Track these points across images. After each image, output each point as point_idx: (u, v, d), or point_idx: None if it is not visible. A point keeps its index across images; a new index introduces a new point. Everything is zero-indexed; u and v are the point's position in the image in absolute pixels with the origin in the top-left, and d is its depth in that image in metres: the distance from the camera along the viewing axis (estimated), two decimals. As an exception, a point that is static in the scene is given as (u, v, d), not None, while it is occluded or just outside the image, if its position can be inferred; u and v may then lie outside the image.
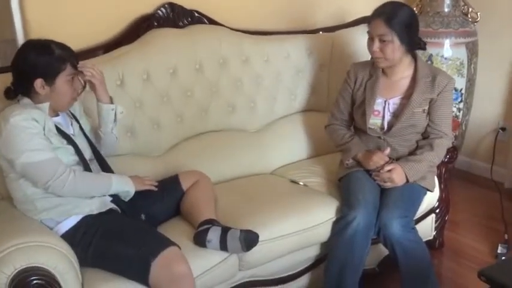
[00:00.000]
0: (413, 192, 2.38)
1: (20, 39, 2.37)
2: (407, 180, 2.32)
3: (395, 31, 2.23)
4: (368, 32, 2.32)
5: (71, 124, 2.06)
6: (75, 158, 1.98)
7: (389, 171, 2.30)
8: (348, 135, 2.51)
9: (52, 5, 2.38)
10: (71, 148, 1.96)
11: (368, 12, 2.37)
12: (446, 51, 3.29)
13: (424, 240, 2.46)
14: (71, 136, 2.00)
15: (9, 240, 1.72)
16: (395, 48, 2.26)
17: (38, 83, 1.90)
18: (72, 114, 2.10)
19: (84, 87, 2.04)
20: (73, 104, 2.04)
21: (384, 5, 2.31)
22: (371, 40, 2.30)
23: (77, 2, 2.44)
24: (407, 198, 2.33)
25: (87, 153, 2.05)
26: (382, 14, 2.26)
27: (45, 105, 1.92)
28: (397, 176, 2.30)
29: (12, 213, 1.95)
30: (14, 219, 1.91)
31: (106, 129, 2.16)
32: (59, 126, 1.96)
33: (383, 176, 2.31)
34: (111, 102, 2.13)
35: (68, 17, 2.42)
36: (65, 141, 1.95)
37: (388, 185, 2.33)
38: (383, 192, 2.35)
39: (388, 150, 2.32)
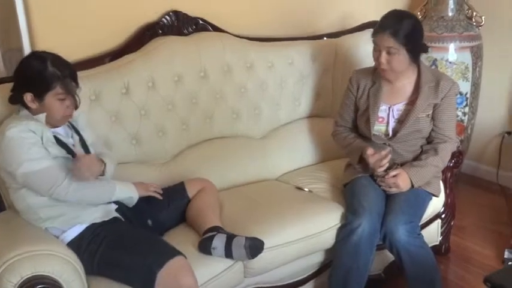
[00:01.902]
0: (419, 197, 2.38)
1: (26, 49, 2.39)
2: (413, 186, 2.32)
3: (403, 44, 2.22)
4: (373, 42, 2.32)
5: (71, 136, 2.06)
6: None
7: (394, 176, 2.30)
8: (351, 136, 2.51)
9: (58, 14, 2.40)
10: (70, 158, 1.97)
11: (372, 17, 2.39)
12: (451, 55, 3.29)
13: (430, 245, 2.44)
14: (71, 146, 2.00)
15: (16, 249, 1.73)
16: (401, 59, 2.26)
17: (28, 96, 1.90)
18: (72, 126, 2.09)
19: (77, 107, 2.01)
20: (66, 121, 2.02)
21: (389, 18, 2.29)
22: (377, 52, 2.29)
23: (83, 11, 2.46)
24: (412, 203, 2.32)
25: None
26: (388, 27, 2.24)
27: (42, 116, 1.93)
28: (402, 181, 2.30)
29: (18, 222, 1.96)
30: (20, 228, 1.93)
31: None
32: (58, 136, 1.97)
33: (388, 182, 2.31)
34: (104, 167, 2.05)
35: (74, 26, 2.44)
36: (64, 151, 1.96)
37: (394, 190, 2.32)
38: (388, 198, 2.35)
39: (388, 149, 2.31)
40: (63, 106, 1.94)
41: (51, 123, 1.96)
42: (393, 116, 2.38)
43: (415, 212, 2.34)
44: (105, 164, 2.03)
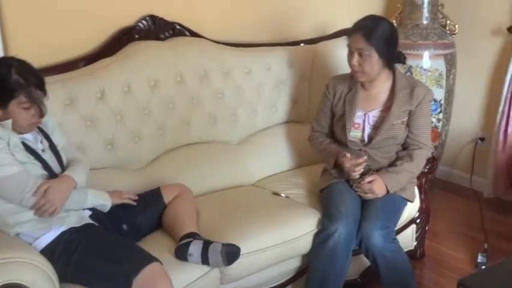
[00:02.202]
0: (394, 203, 2.40)
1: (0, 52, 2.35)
2: (388, 192, 2.34)
3: (374, 46, 2.25)
4: (348, 45, 2.35)
5: (41, 141, 2.01)
6: (44, 173, 1.95)
7: (369, 182, 2.32)
8: (327, 141, 2.53)
9: (32, 17, 2.36)
10: (38, 164, 1.93)
11: (348, 24, 2.40)
12: (426, 62, 3.34)
13: (405, 250, 2.48)
14: (39, 152, 1.96)
15: (-13, 257, 1.69)
16: (373, 62, 2.28)
17: None
18: (42, 130, 2.04)
19: (42, 116, 1.93)
20: (33, 129, 1.97)
21: (364, 20, 2.33)
22: (350, 54, 2.33)
23: (58, 15, 2.43)
24: (388, 209, 2.34)
25: (57, 170, 2.01)
26: (361, 28, 2.28)
27: (9, 122, 1.87)
28: (377, 187, 2.32)
29: (-11, 230, 1.92)
30: (-8, 235, 1.89)
31: None
32: (26, 142, 1.92)
33: (364, 188, 2.33)
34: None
35: (49, 30, 2.41)
36: (32, 157, 1.92)
37: (369, 196, 2.34)
38: (364, 203, 2.37)
39: (364, 158, 2.32)
40: (28, 115, 1.88)
41: (18, 130, 1.91)
42: (369, 123, 2.40)
43: (390, 218, 2.36)
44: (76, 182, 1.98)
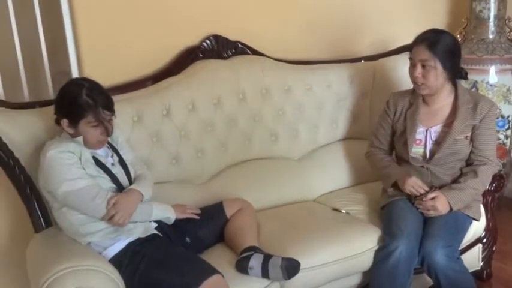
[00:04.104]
0: (458, 221, 2.34)
1: (74, 71, 2.50)
2: (451, 209, 2.29)
3: (438, 57, 2.24)
4: (410, 59, 2.34)
5: (111, 156, 2.12)
6: (113, 186, 2.05)
7: (432, 199, 2.28)
8: (387, 159, 2.51)
9: (104, 37, 2.50)
10: (107, 177, 2.04)
11: (409, 40, 2.40)
12: (492, 77, 3.26)
13: (471, 270, 2.41)
14: (109, 166, 2.06)
15: (61, 263, 1.80)
16: (438, 74, 2.26)
17: (64, 122, 1.98)
18: (111, 146, 2.15)
19: (109, 135, 2.03)
20: (102, 146, 2.07)
21: (427, 32, 2.33)
22: (413, 66, 2.32)
23: (128, 36, 2.56)
24: (451, 227, 2.29)
25: (125, 183, 2.10)
26: (425, 40, 2.28)
27: (81, 138, 1.99)
28: (440, 204, 2.27)
29: (63, 238, 2.03)
30: (65, 244, 2.00)
31: None
32: (96, 156, 2.04)
33: (426, 205, 2.29)
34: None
35: (119, 50, 2.54)
36: (101, 171, 2.03)
37: (432, 213, 2.30)
38: (426, 221, 2.33)
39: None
40: (96, 132, 1.99)
41: (88, 146, 2.02)
42: (431, 138, 2.37)
43: (454, 236, 2.30)
44: (142, 195, 2.08)
